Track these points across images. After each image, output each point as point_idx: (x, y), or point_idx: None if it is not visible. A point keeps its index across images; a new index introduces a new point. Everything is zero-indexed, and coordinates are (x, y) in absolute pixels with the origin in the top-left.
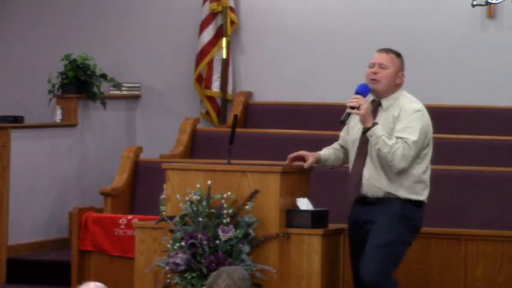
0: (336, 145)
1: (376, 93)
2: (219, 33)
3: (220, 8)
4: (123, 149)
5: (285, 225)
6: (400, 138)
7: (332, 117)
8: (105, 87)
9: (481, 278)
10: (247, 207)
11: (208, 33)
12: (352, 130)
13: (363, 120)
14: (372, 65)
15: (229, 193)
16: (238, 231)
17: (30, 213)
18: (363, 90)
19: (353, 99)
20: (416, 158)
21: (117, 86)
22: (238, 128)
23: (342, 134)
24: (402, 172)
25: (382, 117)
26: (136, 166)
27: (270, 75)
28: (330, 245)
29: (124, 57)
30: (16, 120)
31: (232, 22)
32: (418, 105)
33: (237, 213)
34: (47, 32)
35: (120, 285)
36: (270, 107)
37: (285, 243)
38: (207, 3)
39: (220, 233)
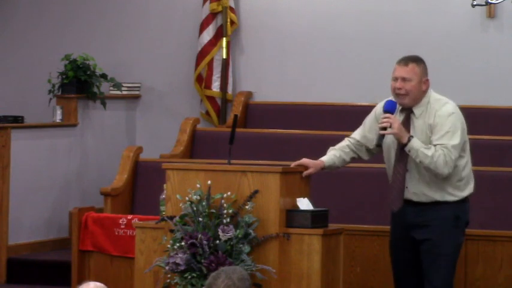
0: (345, 147)
1: (406, 106)
2: (219, 33)
3: (220, 8)
4: (123, 149)
5: (285, 225)
6: (440, 144)
7: (332, 117)
8: (105, 87)
9: (481, 278)
10: (247, 207)
11: (208, 33)
12: (386, 136)
13: (397, 138)
14: (395, 79)
15: (229, 193)
16: (238, 231)
17: (30, 213)
18: (390, 108)
19: (383, 120)
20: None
21: (117, 86)
22: (238, 128)
23: (362, 132)
24: (446, 177)
25: (417, 125)
26: (136, 166)
27: (270, 75)
28: (330, 245)
29: (124, 57)
30: (16, 120)
31: (232, 22)
32: (451, 106)
33: (237, 213)
34: (47, 32)
35: (120, 285)
36: (270, 107)
37: (285, 243)
38: (207, 3)
39: (220, 233)
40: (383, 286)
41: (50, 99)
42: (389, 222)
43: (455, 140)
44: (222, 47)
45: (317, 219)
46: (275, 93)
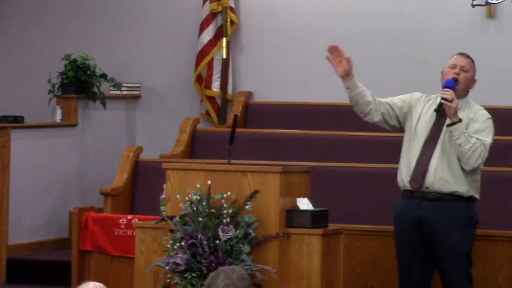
0: (382, 99)
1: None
2: (219, 33)
3: (220, 8)
4: (123, 149)
5: (285, 225)
6: (479, 139)
7: (332, 117)
8: (105, 87)
9: (481, 278)
10: (247, 207)
11: (208, 33)
12: (420, 116)
13: (451, 114)
14: (454, 66)
15: (229, 193)
16: (238, 231)
17: (30, 213)
18: (452, 85)
19: (446, 92)
20: None
21: (117, 86)
22: (238, 128)
23: (390, 99)
24: (467, 172)
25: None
26: (136, 166)
27: (270, 75)
28: (330, 245)
29: (124, 57)
30: (16, 120)
31: (232, 22)
32: (485, 111)
33: (237, 213)
34: (47, 32)
35: (120, 285)
36: (270, 107)
37: (285, 243)
38: (207, 3)
39: (220, 233)
40: (383, 286)
41: (50, 99)
42: (393, 218)
43: (490, 139)
44: (222, 47)
45: (317, 219)
46: (275, 93)
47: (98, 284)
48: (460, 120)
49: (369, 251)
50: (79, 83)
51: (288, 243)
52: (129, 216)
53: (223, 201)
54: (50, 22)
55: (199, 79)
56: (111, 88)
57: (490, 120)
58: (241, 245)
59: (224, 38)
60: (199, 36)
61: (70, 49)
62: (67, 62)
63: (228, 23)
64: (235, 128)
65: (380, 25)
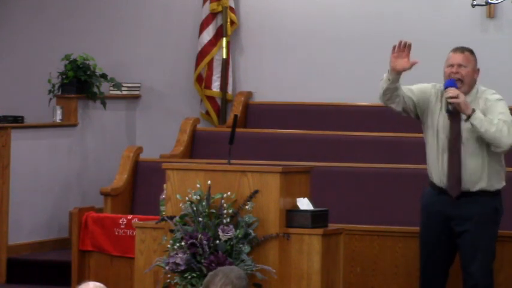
0: (406, 91)
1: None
2: (219, 33)
3: (220, 8)
4: (123, 149)
5: (285, 225)
6: (500, 119)
7: (332, 117)
8: (105, 87)
9: None
10: (247, 207)
11: (208, 33)
12: (440, 114)
13: (463, 108)
14: (451, 65)
15: (229, 193)
16: (238, 231)
17: (30, 213)
18: (452, 84)
19: (449, 91)
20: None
21: (117, 86)
22: (238, 128)
23: (417, 93)
24: (491, 159)
25: None
26: (136, 166)
27: (270, 75)
28: (330, 245)
29: (124, 57)
30: (16, 120)
31: (232, 22)
32: (498, 94)
33: (237, 213)
34: (47, 32)
35: (120, 285)
36: (270, 107)
37: (285, 243)
38: (207, 3)
39: (220, 233)
40: (383, 286)
41: (50, 99)
42: (420, 208)
43: (510, 118)
44: (222, 47)
45: (317, 219)
46: (275, 93)
47: (98, 284)
48: (474, 111)
49: (369, 251)
50: (79, 83)
51: (288, 243)
52: (129, 216)
53: (223, 201)
54: (50, 22)
55: (199, 79)
56: (111, 88)
57: (502, 102)
58: (241, 245)
59: (224, 38)
60: (199, 36)
61: (70, 49)
62: (67, 62)
63: (228, 23)
64: (235, 128)
65: (380, 25)
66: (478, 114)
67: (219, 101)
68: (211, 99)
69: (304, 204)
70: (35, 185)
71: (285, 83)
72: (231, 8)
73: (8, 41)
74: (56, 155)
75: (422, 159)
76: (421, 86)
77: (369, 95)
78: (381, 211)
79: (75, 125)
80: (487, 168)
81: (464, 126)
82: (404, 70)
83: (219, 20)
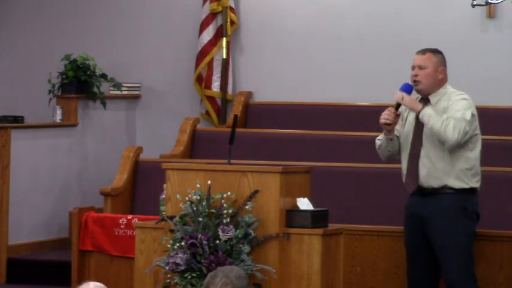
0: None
1: (422, 93)
2: (219, 33)
3: (220, 8)
4: (123, 149)
5: (285, 225)
6: (449, 117)
7: (332, 117)
8: (105, 87)
9: (481, 278)
10: (247, 207)
11: (208, 33)
12: (406, 121)
13: (411, 107)
14: (413, 68)
15: (229, 193)
16: (238, 231)
17: (30, 213)
18: (406, 89)
19: (394, 96)
20: (468, 142)
21: (117, 86)
22: (238, 128)
23: (398, 127)
24: (455, 159)
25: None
26: (136, 166)
27: (270, 75)
28: (330, 245)
29: (124, 57)
30: (16, 120)
31: (232, 22)
32: (465, 95)
33: (237, 213)
34: (47, 32)
35: (120, 285)
36: (270, 107)
37: (285, 243)
38: (207, 3)
39: (220, 233)
40: (383, 286)
41: (50, 99)
42: (403, 218)
43: (466, 115)
44: (222, 47)
45: (317, 219)
46: (275, 93)
47: (98, 284)
48: (423, 107)
49: (368, 251)
50: (79, 83)
51: (288, 243)
52: (129, 216)
53: (223, 201)
54: (50, 22)
55: (199, 79)
56: (111, 88)
57: (464, 101)
58: (241, 245)
59: (224, 38)
60: (199, 36)
61: (70, 49)
62: (67, 62)
63: (228, 23)
64: (235, 128)
65: (380, 25)
66: (427, 111)
67: (219, 101)
68: (211, 99)
69: (304, 204)
70: (35, 185)
71: (285, 83)
72: (231, 8)
73: (8, 41)
74: (56, 155)
75: None
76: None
77: (369, 95)
78: (381, 211)
79: (75, 125)
80: (451, 168)
81: (425, 130)
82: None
83: (219, 20)
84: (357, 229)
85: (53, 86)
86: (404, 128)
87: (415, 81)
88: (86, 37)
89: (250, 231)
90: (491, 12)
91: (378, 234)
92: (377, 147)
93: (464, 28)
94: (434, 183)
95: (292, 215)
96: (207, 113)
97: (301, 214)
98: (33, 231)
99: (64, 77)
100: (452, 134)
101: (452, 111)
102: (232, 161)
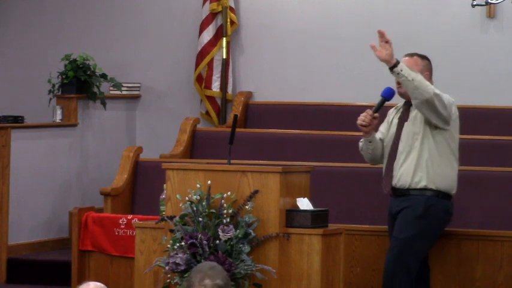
0: (377, 137)
1: (405, 96)
2: (219, 33)
3: (220, 8)
4: (123, 149)
5: (285, 225)
6: None
7: (332, 117)
8: (105, 87)
9: (481, 278)
10: (247, 207)
11: (208, 33)
12: (390, 126)
13: (384, 60)
14: None
15: (229, 193)
16: (238, 231)
17: (30, 213)
18: (387, 94)
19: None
20: (439, 145)
21: (117, 86)
22: (238, 128)
23: (382, 129)
24: (429, 164)
25: (413, 115)
26: (136, 166)
27: (270, 75)
28: (330, 245)
29: (124, 57)
30: (16, 120)
31: (232, 22)
32: (447, 95)
33: (237, 213)
34: (47, 32)
35: (120, 285)
36: (270, 107)
37: (285, 243)
38: (207, 3)
39: (220, 233)
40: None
41: (50, 99)
42: None
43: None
44: (222, 47)
45: (317, 219)
46: (275, 93)
47: (98, 284)
48: (397, 61)
49: (369, 251)
50: (79, 83)
51: (288, 243)
52: (129, 216)
53: (223, 201)
54: (50, 22)
55: (199, 79)
56: (111, 88)
57: (445, 98)
58: (241, 245)
59: (224, 38)
60: (199, 36)
61: (70, 49)
62: (67, 62)
63: (228, 23)
64: (235, 128)
65: (380, 25)
66: (403, 64)
67: (219, 101)
68: (211, 99)
69: (304, 204)
70: (35, 185)
71: (285, 83)
72: (231, 8)
73: (8, 41)
74: (56, 155)
75: None
76: (386, 119)
77: (368, 95)
78: (380, 211)
79: (75, 125)
80: (425, 169)
81: (406, 128)
82: (372, 128)
83: (219, 20)
84: (357, 229)
85: (53, 86)
86: (390, 131)
87: (398, 83)
88: (86, 37)
89: (250, 231)
90: (491, 12)
91: (378, 234)
92: (359, 149)
93: (464, 28)
94: (406, 183)
95: (292, 215)
96: (207, 113)
97: (301, 214)
98: (33, 231)
99: (64, 77)
100: (432, 89)
101: None
102: (232, 161)
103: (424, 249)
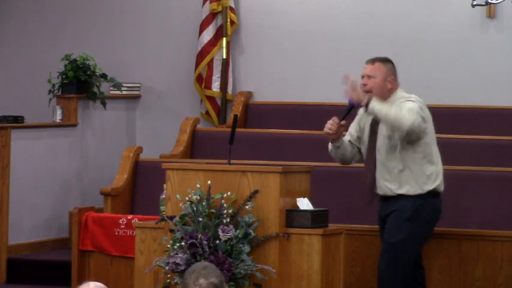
0: (346, 140)
1: None
2: (219, 33)
3: (220, 8)
4: (123, 149)
5: (285, 225)
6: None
7: (332, 117)
8: (105, 87)
9: (481, 278)
10: (247, 207)
11: (208, 33)
12: (364, 128)
13: (358, 102)
14: (362, 77)
15: (229, 193)
16: (238, 231)
17: (30, 213)
18: (354, 101)
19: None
20: (421, 147)
21: (117, 86)
22: (238, 128)
23: (352, 131)
24: (411, 173)
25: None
26: (136, 166)
27: (270, 75)
28: (330, 245)
29: (124, 57)
30: (16, 120)
31: (232, 22)
32: (413, 98)
33: (237, 213)
34: (47, 31)
35: (120, 285)
36: (270, 107)
37: (285, 243)
38: (207, 3)
39: (220, 233)
40: None
41: (50, 99)
42: None
43: (413, 108)
44: (222, 47)
45: (317, 219)
46: (275, 93)
47: (98, 284)
48: (370, 99)
49: (369, 251)
50: (79, 83)
51: (288, 243)
52: (129, 216)
53: (223, 201)
54: (50, 22)
55: (199, 79)
56: (111, 88)
57: (411, 103)
58: (241, 245)
59: (224, 38)
60: (199, 36)
61: (70, 49)
62: (67, 62)
63: (228, 23)
64: (235, 128)
65: (380, 25)
66: (375, 102)
67: (219, 101)
68: (211, 99)
69: (304, 204)
70: (35, 185)
71: (284, 83)
72: (231, 8)
73: (8, 41)
74: (56, 155)
75: None
76: (355, 120)
77: None
78: None
79: (75, 125)
80: (407, 174)
81: (380, 136)
82: (339, 135)
83: (219, 20)
84: (357, 229)
85: (53, 86)
86: (364, 136)
87: (363, 90)
88: (86, 37)
89: (250, 231)
90: (491, 12)
91: (378, 234)
92: (329, 151)
93: (464, 28)
94: (390, 192)
95: (292, 215)
96: (207, 113)
97: (301, 214)
98: (33, 231)
99: (64, 77)
100: (409, 116)
101: (402, 108)
102: (232, 161)
103: (416, 250)
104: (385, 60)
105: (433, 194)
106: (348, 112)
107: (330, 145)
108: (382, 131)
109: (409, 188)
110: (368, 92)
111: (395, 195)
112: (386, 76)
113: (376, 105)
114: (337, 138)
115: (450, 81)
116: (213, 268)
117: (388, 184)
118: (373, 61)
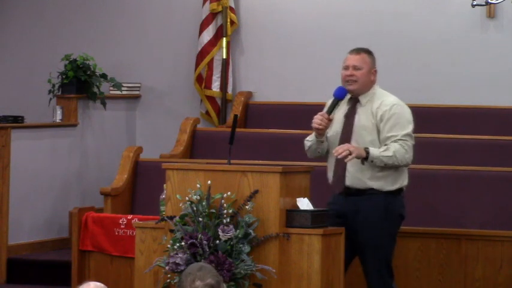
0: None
1: (353, 93)
2: (219, 33)
3: (220, 8)
4: (123, 149)
5: (285, 225)
6: (392, 136)
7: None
8: (105, 87)
9: (481, 278)
10: (247, 207)
11: (208, 33)
12: (333, 124)
13: (358, 156)
14: (347, 67)
15: (229, 193)
16: (238, 231)
17: (30, 213)
18: (340, 94)
19: (339, 151)
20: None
21: (117, 86)
22: (238, 128)
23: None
24: (381, 170)
25: (361, 112)
26: (136, 166)
27: (270, 75)
28: (330, 245)
29: (124, 57)
30: (16, 120)
31: (232, 22)
32: (394, 97)
33: (237, 213)
34: (47, 32)
35: (120, 285)
36: (270, 107)
37: (285, 243)
38: (207, 3)
39: (220, 233)
40: None
41: (50, 99)
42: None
43: (406, 129)
44: (222, 47)
45: (317, 219)
46: (275, 93)
47: (98, 284)
48: (367, 151)
49: None
50: (79, 83)
51: (288, 243)
52: (129, 216)
53: (223, 201)
54: (50, 22)
55: (199, 79)
56: (111, 88)
57: (396, 107)
58: (241, 245)
59: (224, 38)
60: (199, 36)
61: (70, 49)
62: (67, 62)
63: (228, 23)
64: (235, 128)
65: (380, 25)
66: (374, 152)
67: (219, 101)
68: (211, 99)
69: (304, 204)
70: (35, 185)
71: (285, 83)
72: (231, 8)
73: (8, 41)
74: (56, 155)
75: (421, 159)
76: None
77: None
78: None
79: (75, 125)
80: (375, 170)
81: (357, 126)
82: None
83: (219, 20)
84: None
85: (53, 86)
86: (332, 127)
87: (349, 81)
88: (86, 37)
89: (250, 231)
90: (491, 12)
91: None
92: (306, 148)
93: (464, 28)
94: (360, 185)
95: (292, 215)
96: (207, 113)
97: (301, 214)
98: (33, 231)
99: (64, 77)
100: (406, 159)
101: (390, 124)
102: (232, 161)
103: (393, 246)
104: (369, 52)
105: (399, 190)
106: (334, 106)
107: (308, 142)
108: (359, 121)
109: (383, 183)
110: (354, 82)
111: (364, 188)
112: (371, 68)
113: (375, 154)
114: (323, 133)
115: (450, 81)
116: (208, 269)
117: (359, 176)
118: (358, 51)
